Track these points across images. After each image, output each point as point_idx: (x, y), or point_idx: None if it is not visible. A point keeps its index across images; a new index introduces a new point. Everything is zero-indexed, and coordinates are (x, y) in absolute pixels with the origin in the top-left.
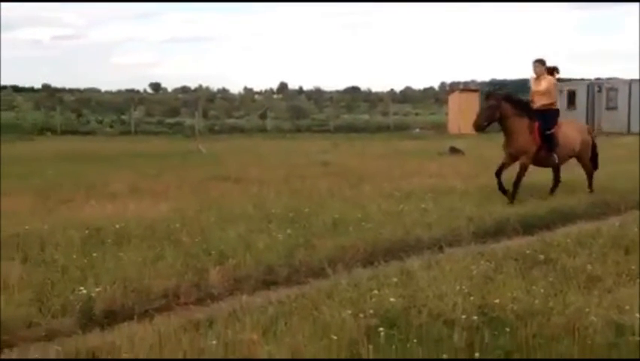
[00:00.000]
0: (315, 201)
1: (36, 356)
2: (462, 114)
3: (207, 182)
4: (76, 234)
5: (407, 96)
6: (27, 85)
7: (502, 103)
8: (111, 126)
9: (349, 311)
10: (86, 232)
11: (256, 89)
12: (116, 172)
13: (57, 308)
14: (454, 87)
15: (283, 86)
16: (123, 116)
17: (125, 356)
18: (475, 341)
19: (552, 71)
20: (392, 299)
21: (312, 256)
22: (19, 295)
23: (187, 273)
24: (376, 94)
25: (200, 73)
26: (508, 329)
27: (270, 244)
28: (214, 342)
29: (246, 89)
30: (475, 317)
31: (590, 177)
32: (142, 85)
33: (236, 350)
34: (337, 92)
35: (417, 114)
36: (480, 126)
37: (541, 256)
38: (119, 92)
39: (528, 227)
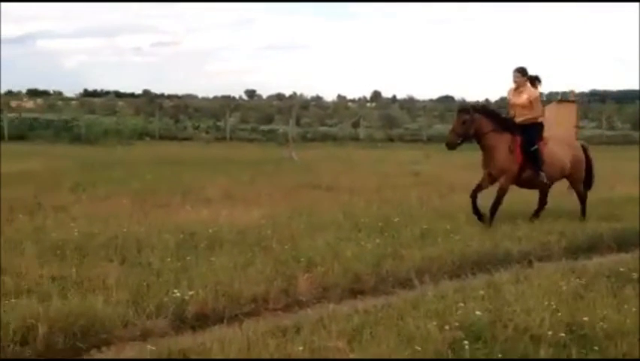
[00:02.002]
0: (404, 211)
1: (131, 355)
2: (558, 126)
3: (299, 189)
4: (172, 238)
5: (502, 106)
6: (128, 91)
7: (476, 117)
8: (207, 132)
9: (434, 323)
10: (181, 236)
11: (349, 97)
12: (210, 178)
13: (152, 309)
14: (552, 98)
15: (376, 95)
16: (219, 123)
17: (216, 357)
18: (561, 358)
19: (533, 80)
20: (478, 312)
21: (400, 266)
22: (116, 295)
23: (276, 279)
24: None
25: (294, 80)
26: (597, 348)
27: (358, 253)
28: (300, 348)
29: (339, 97)
30: (563, 334)
31: (582, 202)
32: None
33: (321, 357)
34: (430, 101)
35: None
36: (452, 144)
37: (635, 275)
38: (215, 98)
39: (623, 244)
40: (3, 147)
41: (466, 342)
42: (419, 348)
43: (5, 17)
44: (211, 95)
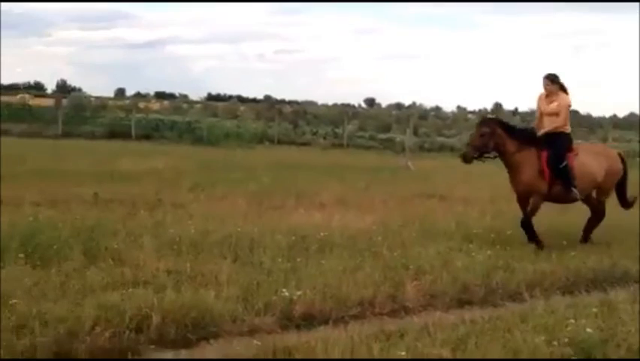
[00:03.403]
0: (518, 224)
1: (237, 349)
2: None
3: (413, 198)
4: (284, 239)
5: (631, 122)
6: (250, 96)
7: (497, 132)
8: (324, 138)
9: (542, 337)
10: (293, 238)
11: (470, 108)
12: (325, 183)
13: (260, 307)
14: None
15: (498, 107)
16: (337, 130)
17: (319, 357)
18: None
19: (565, 88)
20: (589, 330)
21: (510, 278)
22: (227, 291)
23: (384, 284)
24: (596, 119)
25: (414, 90)
26: None
27: (469, 263)
28: (403, 353)
29: (459, 108)
30: None
31: (594, 212)
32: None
33: None
34: None
35: None
36: (468, 157)
37: None
38: (335, 105)
39: None
40: (130, 145)
41: (574, 358)
42: None
43: (136, 23)
44: (330, 103)
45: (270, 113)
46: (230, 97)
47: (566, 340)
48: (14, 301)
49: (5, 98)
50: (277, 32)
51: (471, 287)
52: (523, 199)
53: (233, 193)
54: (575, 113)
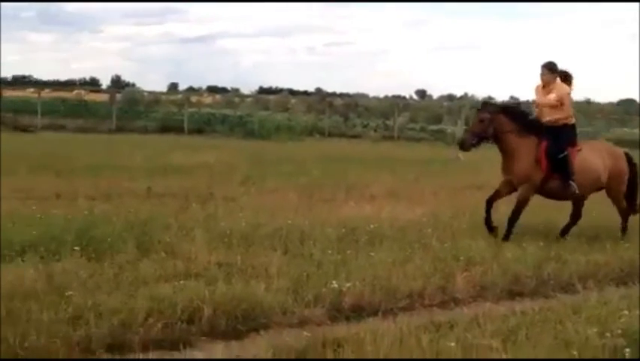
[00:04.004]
0: (568, 216)
1: (287, 340)
2: None
3: (463, 190)
4: (334, 231)
5: None
6: (301, 88)
7: (497, 117)
8: (375, 131)
9: (595, 329)
10: (343, 230)
11: (523, 98)
12: (376, 175)
13: (310, 299)
14: None
15: None
16: (387, 122)
17: (368, 348)
18: None
19: (564, 77)
20: None
21: (563, 270)
22: (277, 283)
23: (434, 276)
24: None
25: (466, 81)
26: None
27: (520, 255)
28: (452, 344)
29: (512, 98)
30: None
31: (624, 219)
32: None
33: (473, 354)
34: (610, 104)
35: None
36: (465, 143)
37: None
38: (386, 97)
39: None
40: (182, 140)
41: (627, 350)
42: (576, 353)
43: (187, 18)
44: (381, 95)
45: (320, 106)
46: (281, 90)
47: (619, 331)
48: (70, 293)
49: (62, 94)
50: (327, 25)
51: (522, 278)
52: (508, 190)
53: (284, 186)
54: (630, 101)
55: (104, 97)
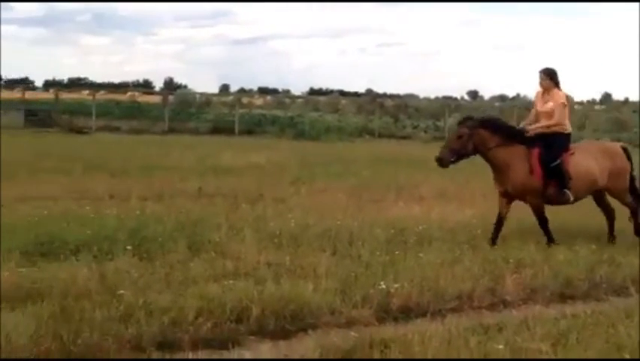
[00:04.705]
0: (624, 219)
1: (335, 340)
2: None
3: None
4: (382, 232)
5: None
6: (352, 89)
7: (477, 132)
8: (425, 132)
9: None
10: (391, 231)
11: (577, 99)
12: (426, 176)
13: (358, 299)
14: None
15: (607, 97)
16: (438, 123)
17: (416, 349)
18: None
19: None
20: None
21: (616, 273)
22: (325, 283)
23: (483, 278)
24: None
25: (518, 81)
26: None
27: (571, 257)
28: (501, 346)
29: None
30: None
31: (635, 215)
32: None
33: (522, 357)
34: None
35: None
36: (443, 161)
37: None
38: (437, 98)
39: None
40: (233, 141)
41: None
42: (628, 357)
43: (238, 20)
44: (432, 96)
45: (371, 107)
46: (332, 91)
47: None
48: (122, 291)
49: (116, 96)
50: (379, 26)
51: (574, 281)
52: (507, 201)
53: (334, 187)
54: None
55: (156, 99)
